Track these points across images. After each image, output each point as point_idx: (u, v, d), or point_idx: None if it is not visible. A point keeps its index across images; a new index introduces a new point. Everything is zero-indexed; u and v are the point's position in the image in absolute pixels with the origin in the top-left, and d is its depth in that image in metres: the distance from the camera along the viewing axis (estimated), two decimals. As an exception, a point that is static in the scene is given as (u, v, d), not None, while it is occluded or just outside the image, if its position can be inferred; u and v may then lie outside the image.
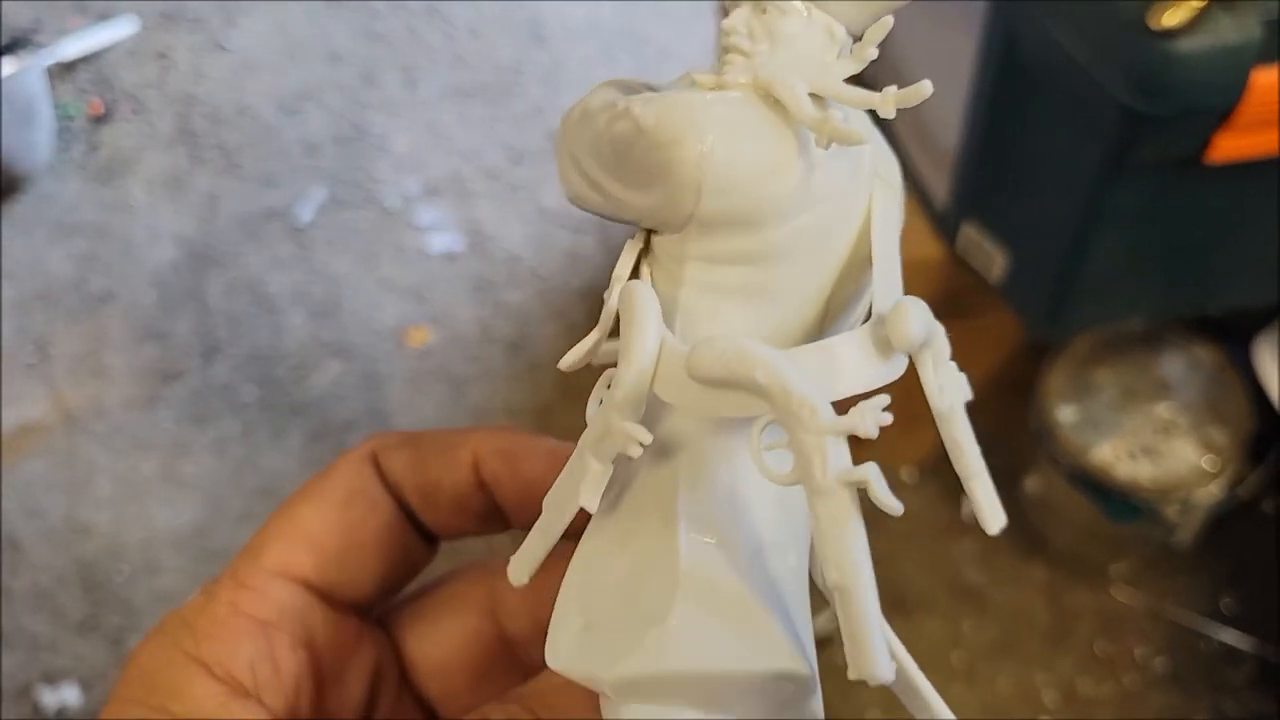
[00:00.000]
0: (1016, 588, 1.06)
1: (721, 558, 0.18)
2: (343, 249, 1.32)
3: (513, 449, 0.26)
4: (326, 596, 0.25)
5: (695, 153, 0.18)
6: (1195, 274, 0.79)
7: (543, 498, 0.24)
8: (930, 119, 0.84)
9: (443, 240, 1.32)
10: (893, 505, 0.16)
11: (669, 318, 0.19)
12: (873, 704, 1.00)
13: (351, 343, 1.24)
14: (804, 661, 0.18)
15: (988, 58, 0.73)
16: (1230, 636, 1.01)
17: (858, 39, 0.20)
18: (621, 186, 0.19)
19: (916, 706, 0.20)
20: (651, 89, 0.20)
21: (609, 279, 0.21)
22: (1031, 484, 1.06)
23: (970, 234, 0.83)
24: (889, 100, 0.19)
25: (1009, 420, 1.03)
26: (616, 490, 0.20)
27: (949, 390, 0.18)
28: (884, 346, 0.18)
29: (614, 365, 0.20)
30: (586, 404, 0.20)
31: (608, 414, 0.18)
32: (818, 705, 0.19)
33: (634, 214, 0.20)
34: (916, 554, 1.07)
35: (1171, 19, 0.60)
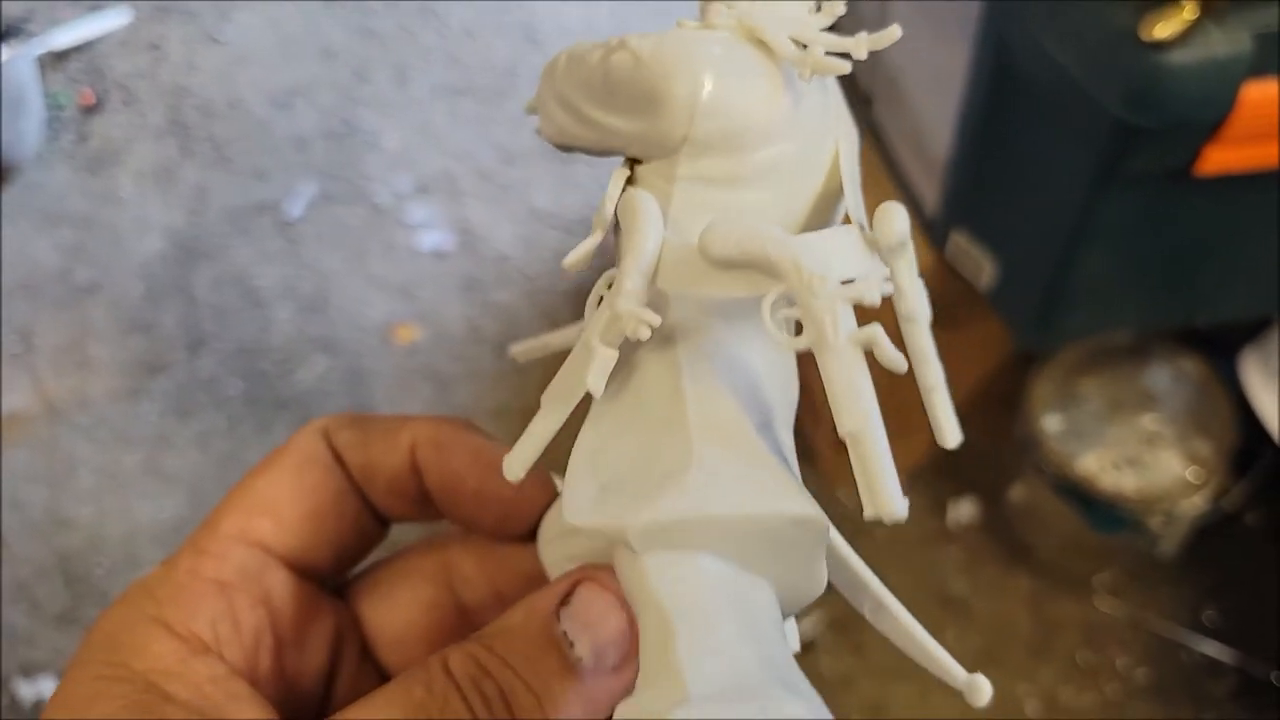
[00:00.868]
0: (1000, 597, 1.06)
1: (729, 427, 0.19)
2: (332, 245, 1.32)
3: (443, 440, 0.27)
4: (284, 559, 0.26)
5: (691, 78, 0.20)
6: (1183, 286, 0.79)
7: (464, 491, 0.26)
8: (922, 127, 0.84)
9: (432, 238, 1.32)
10: (898, 361, 0.18)
11: None
12: (855, 711, 1.00)
13: (338, 339, 1.24)
14: (819, 509, 0.19)
15: (980, 67, 0.73)
16: (1212, 648, 1.01)
17: None
18: (614, 116, 0.21)
19: (860, 599, 0.22)
20: None
21: (597, 279, 0.21)
22: (1017, 493, 1.06)
23: (960, 241, 0.83)
24: (861, 44, 0.21)
25: (996, 429, 1.03)
26: (617, 383, 0.20)
27: (919, 297, 0.19)
28: (870, 244, 0.20)
29: (568, 350, 0.21)
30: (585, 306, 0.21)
31: (615, 303, 0.19)
32: (823, 566, 0.20)
33: (624, 141, 0.21)
34: (901, 562, 1.07)
35: (1163, 31, 0.60)
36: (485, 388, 1.20)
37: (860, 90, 0.92)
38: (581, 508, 0.19)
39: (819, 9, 0.22)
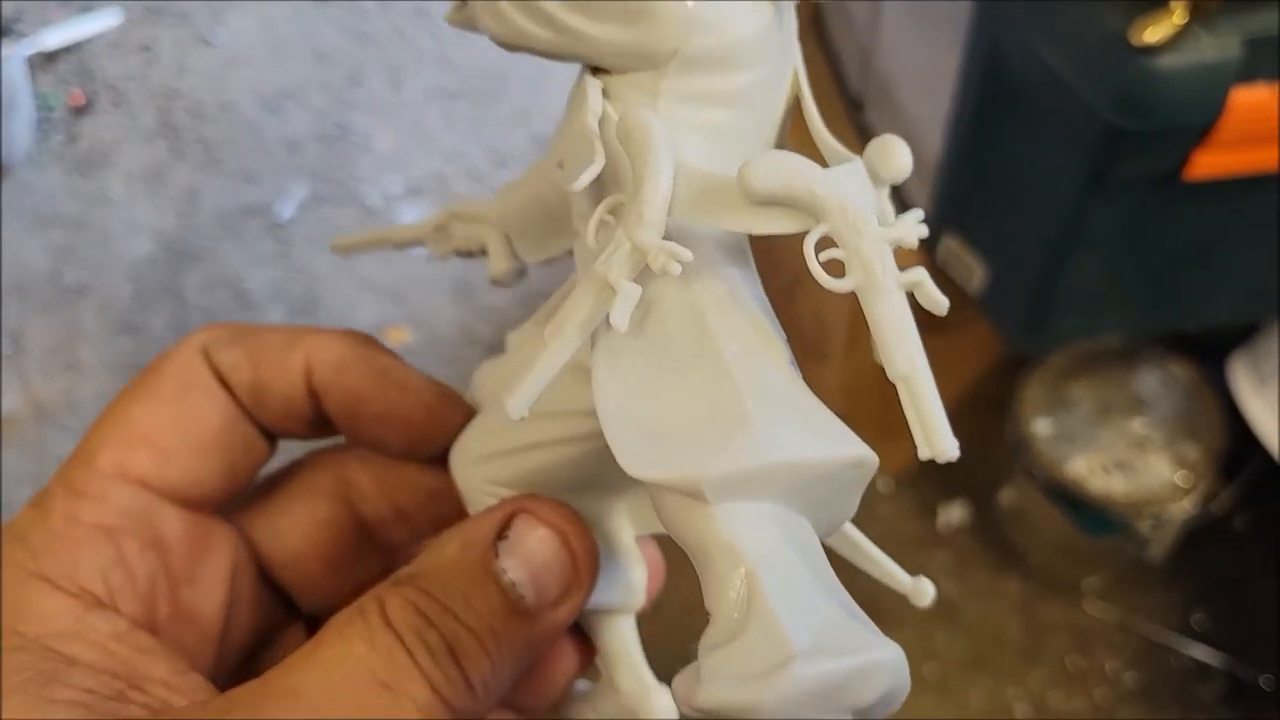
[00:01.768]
0: (990, 601, 1.06)
1: (766, 368, 0.19)
2: (323, 247, 1.31)
3: (343, 361, 0.25)
4: (170, 496, 0.24)
5: None
6: (1172, 290, 0.79)
7: (369, 414, 0.24)
8: (913, 129, 0.84)
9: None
10: (941, 303, 0.19)
11: None
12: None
13: (329, 341, 1.24)
14: (868, 447, 0.19)
15: (971, 70, 0.73)
16: (1201, 652, 1.02)
17: None
18: (597, 23, 0.20)
19: (860, 558, 0.22)
20: None
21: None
22: (1006, 497, 1.07)
23: (950, 245, 0.83)
24: None
25: (986, 433, 1.03)
26: (633, 321, 0.20)
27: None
28: (874, 178, 0.20)
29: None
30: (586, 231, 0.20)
31: (637, 235, 0.19)
32: (858, 499, 0.20)
33: (600, 51, 0.20)
34: (891, 565, 1.07)
35: (1153, 36, 0.60)
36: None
37: (851, 94, 0.93)
38: (642, 459, 0.19)
39: None
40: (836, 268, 0.19)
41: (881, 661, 0.17)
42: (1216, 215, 0.72)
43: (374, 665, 0.20)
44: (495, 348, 0.31)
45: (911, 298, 0.19)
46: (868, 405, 1.11)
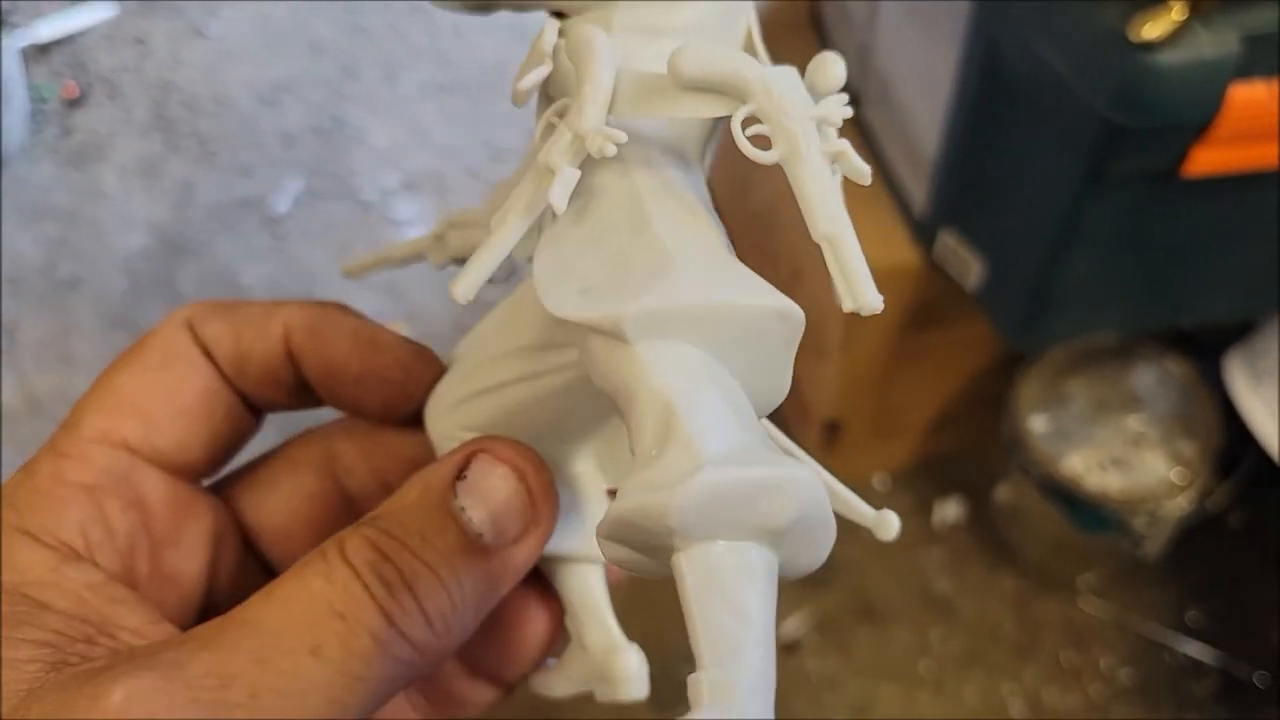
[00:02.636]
0: (985, 597, 1.06)
1: (699, 241, 0.20)
2: (318, 241, 1.31)
3: (318, 326, 0.26)
4: (153, 459, 0.24)
5: None
6: (1169, 287, 0.79)
7: (346, 375, 0.25)
8: (911, 126, 0.84)
9: (419, 235, 1.31)
10: (864, 170, 0.19)
11: None
12: (839, 711, 1.00)
13: (324, 336, 1.24)
14: (794, 303, 0.20)
15: (969, 67, 0.73)
16: (1195, 649, 1.02)
17: None
18: None
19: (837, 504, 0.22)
20: None
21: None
22: (1002, 493, 1.07)
23: (948, 241, 0.83)
24: None
25: (982, 429, 1.03)
26: (575, 207, 0.21)
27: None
28: (813, 91, 0.20)
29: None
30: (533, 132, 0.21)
31: (577, 124, 0.20)
32: (790, 369, 0.20)
33: None
34: (886, 563, 1.07)
35: (1151, 32, 0.60)
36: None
37: (849, 91, 0.92)
38: (566, 302, 0.19)
39: None
40: (763, 142, 0.19)
41: (792, 477, 0.17)
42: (1214, 212, 0.72)
43: (330, 597, 0.20)
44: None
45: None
46: (865, 403, 1.11)
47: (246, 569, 0.27)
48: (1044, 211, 0.73)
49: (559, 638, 0.26)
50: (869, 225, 0.86)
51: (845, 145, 0.19)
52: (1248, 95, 0.62)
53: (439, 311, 1.25)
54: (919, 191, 0.85)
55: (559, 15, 0.23)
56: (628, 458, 0.25)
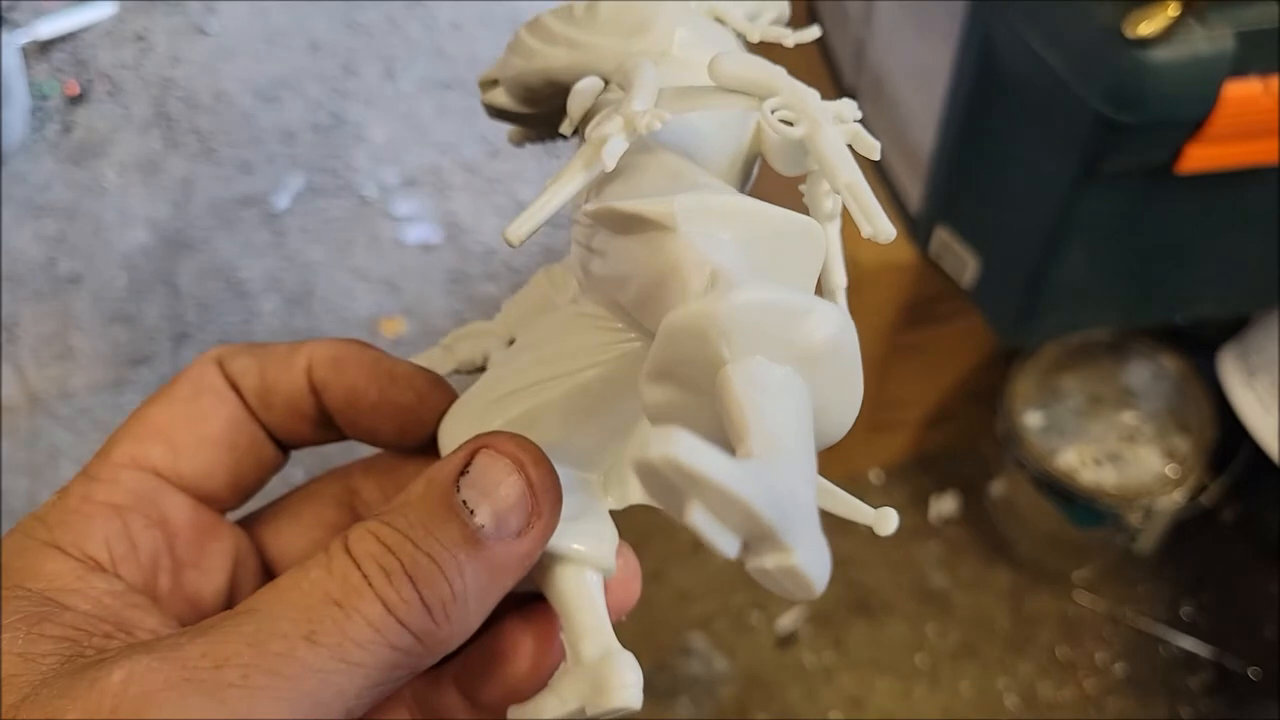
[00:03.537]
0: (980, 592, 1.07)
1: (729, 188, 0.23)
2: (318, 237, 1.32)
3: (340, 356, 0.27)
4: (178, 484, 0.25)
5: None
6: (1163, 283, 0.80)
7: (364, 404, 0.27)
8: (906, 123, 0.85)
9: (419, 231, 1.31)
10: (874, 145, 0.23)
11: None
12: (835, 705, 1.00)
13: (324, 331, 1.24)
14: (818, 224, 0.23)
15: (964, 63, 0.74)
16: (1189, 643, 1.02)
17: None
18: (598, 35, 0.26)
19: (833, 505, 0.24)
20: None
21: None
22: (997, 488, 1.07)
23: (943, 237, 0.84)
24: (788, 37, 0.28)
25: (977, 425, 1.03)
26: (619, 182, 0.23)
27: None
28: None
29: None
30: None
31: (627, 109, 0.22)
32: (816, 276, 0.23)
33: (604, 57, 0.26)
34: (882, 557, 1.07)
35: (1146, 29, 0.60)
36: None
37: (845, 87, 0.93)
38: (620, 199, 0.22)
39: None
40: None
41: (826, 305, 0.19)
42: (1208, 208, 0.72)
43: (328, 586, 0.21)
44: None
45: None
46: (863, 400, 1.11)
47: None
48: (1039, 207, 0.73)
49: (545, 665, 0.26)
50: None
51: (857, 127, 0.23)
52: (1242, 92, 0.62)
53: (436, 306, 1.26)
54: (914, 188, 0.86)
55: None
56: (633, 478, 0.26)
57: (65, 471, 1.13)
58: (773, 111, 0.23)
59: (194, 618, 0.25)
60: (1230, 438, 0.94)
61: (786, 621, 1.02)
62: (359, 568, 0.21)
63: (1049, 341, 0.97)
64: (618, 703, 0.24)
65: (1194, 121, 0.64)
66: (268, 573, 0.28)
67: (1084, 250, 0.75)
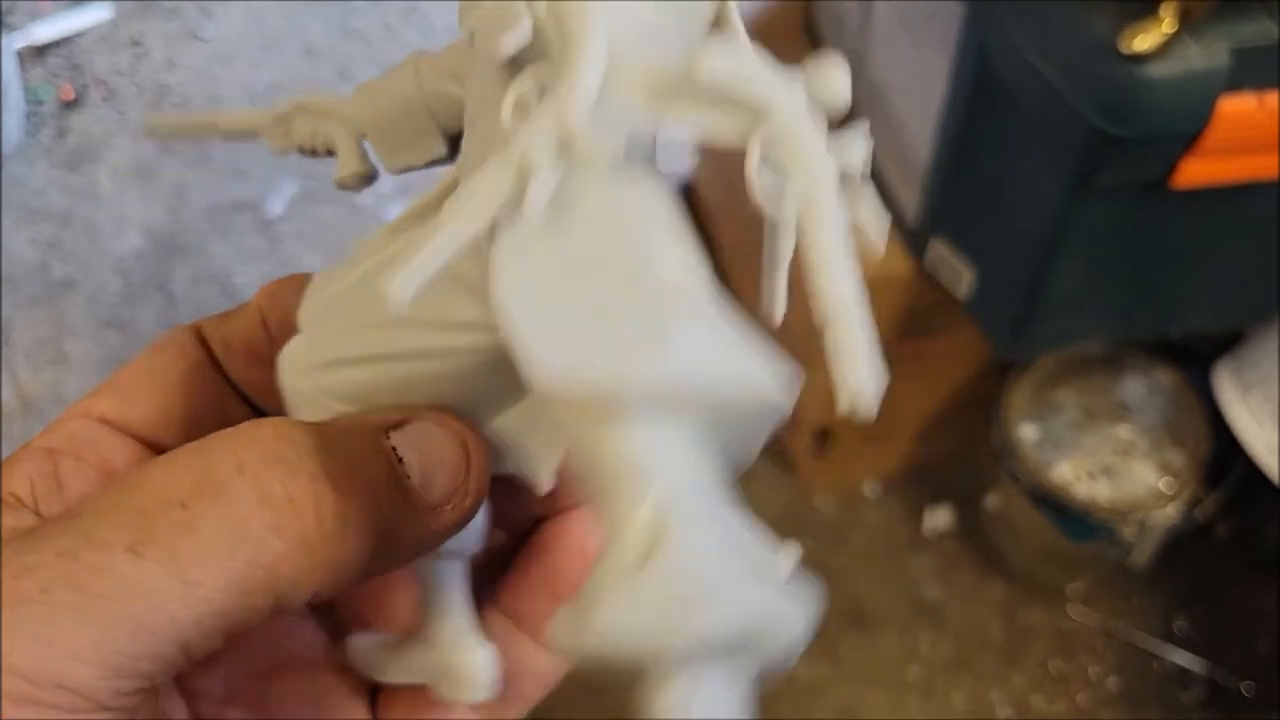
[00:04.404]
0: (974, 604, 1.07)
1: (692, 283, 0.18)
2: (312, 243, 1.31)
3: (280, 287, 0.27)
4: (126, 430, 0.25)
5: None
6: (1158, 297, 0.80)
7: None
8: (903, 135, 0.85)
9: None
10: (881, 233, 0.18)
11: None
12: (830, 712, 1.00)
13: (317, 339, 1.24)
14: (787, 390, 0.18)
15: (961, 77, 0.74)
16: (1182, 658, 1.02)
17: None
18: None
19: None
20: None
21: None
22: (992, 501, 1.07)
23: (939, 250, 0.84)
24: None
25: (971, 437, 1.03)
26: (550, 209, 0.18)
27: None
28: (814, 104, 0.18)
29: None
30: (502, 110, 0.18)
31: (566, 120, 0.17)
32: (764, 440, 0.18)
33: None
34: (876, 569, 1.07)
35: (1142, 44, 0.60)
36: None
37: (842, 98, 0.93)
38: (553, 361, 0.17)
39: None
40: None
41: (787, 616, 0.16)
42: (1203, 223, 0.72)
43: (180, 479, 0.20)
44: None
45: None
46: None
47: None
48: (1034, 220, 0.73)
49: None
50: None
51: (869, 193, 0.18)
52: (1237, 107, 0.62)
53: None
54: (910, 200, 0.85)
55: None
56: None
57: (56, 478, 1.12)
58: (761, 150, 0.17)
59: None
60: (1225, 452, 0.94)
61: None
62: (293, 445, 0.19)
63: (1044, 354, 0.97)
64: (466, 697, 0.23)
65: (1189, 136, 0.64)
66: None
67: (1079, 263, 0.75)
